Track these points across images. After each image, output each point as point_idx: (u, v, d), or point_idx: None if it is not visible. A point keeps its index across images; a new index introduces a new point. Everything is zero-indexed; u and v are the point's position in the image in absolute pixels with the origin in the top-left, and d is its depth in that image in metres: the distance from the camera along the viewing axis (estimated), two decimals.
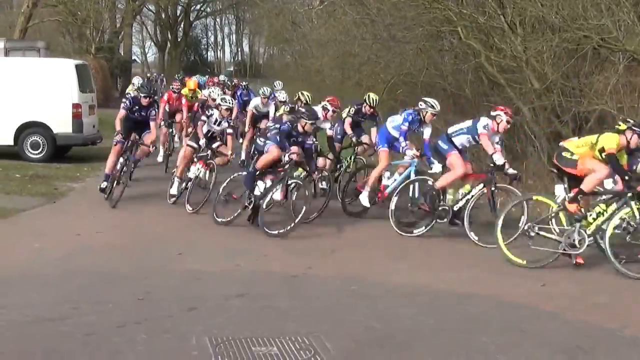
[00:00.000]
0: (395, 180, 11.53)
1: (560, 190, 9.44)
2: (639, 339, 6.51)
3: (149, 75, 56.44)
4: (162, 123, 16.67)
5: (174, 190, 12.54)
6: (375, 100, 13.12)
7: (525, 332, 6.59)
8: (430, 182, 10.82)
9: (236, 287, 7.79)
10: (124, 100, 13.26)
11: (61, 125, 17.46)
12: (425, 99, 11.59)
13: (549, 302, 7.57)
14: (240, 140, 17.52)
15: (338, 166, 13.18)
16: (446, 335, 6.44)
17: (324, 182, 12.41)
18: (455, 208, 10.45)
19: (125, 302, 7.18)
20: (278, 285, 8.00)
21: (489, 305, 7.45)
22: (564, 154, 9.31)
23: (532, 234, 9.19)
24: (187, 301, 7.18)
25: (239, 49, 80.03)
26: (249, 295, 7.54)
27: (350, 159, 13.26)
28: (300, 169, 11.20)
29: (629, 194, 8.76)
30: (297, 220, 10.37)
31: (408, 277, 8.48)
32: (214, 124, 12.59)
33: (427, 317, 6.98)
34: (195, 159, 12.51)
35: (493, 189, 10.27)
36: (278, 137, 10.79)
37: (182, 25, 69.63)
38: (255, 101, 17.38)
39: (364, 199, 11.69)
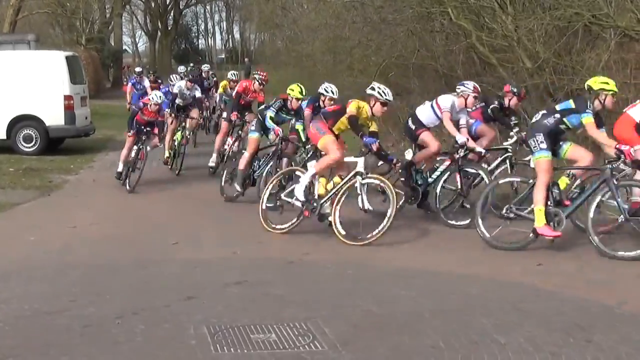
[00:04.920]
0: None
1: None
2: (637, 316, 6.51)
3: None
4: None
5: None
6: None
7: (523, 312, 6.59)
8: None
9: (233, 274, 7.78)
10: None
11: (53, 117, 17.44)
12: None
13: (546, 280, 7.57)
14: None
15: None
16: (445, 317, 6.44)
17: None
18: None
19: (122, 293, 7.16)
20: (275, 272, 8.00)
21: (487, 285, 7.45)
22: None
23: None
24: (185, 290, 7.17)
25: (230, 36, 79.87)
26: (247, 282, 7.53)
27: None
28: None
29: None
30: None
31: (405, 260, 8.49)
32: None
33: (425, 300, 6.98)
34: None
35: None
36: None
37: (172, 14, 69.40)
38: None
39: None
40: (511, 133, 10.99)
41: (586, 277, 7.75)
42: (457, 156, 10.25)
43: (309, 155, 11.39)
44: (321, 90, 11.78)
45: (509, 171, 10.61)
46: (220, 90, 20.07)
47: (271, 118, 11.48)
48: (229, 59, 71.94)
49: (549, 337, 5.94)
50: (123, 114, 27.93)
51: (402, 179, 10.52)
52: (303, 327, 6.14)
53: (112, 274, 7.87)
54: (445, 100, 10.53)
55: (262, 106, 12.38)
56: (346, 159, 9.74)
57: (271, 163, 11.71)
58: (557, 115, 8.89)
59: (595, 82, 8.90)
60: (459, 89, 10.67)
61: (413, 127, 10.68)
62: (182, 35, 76.86)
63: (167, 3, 68.43)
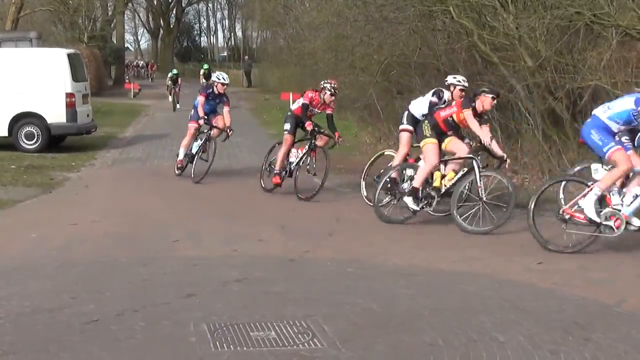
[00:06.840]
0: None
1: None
2: (636, 314, 6.53)
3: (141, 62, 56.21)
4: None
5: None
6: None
7: (522, 310, 6.60)
8: None
9: (234, 272, 7.79)
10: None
11: (55, 115, 17.45)
12: None
13: (546, 279, 7.59)
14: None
15: None
16: (444, 315, 6.45)
17: None
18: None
19: (123, 290, 7.18)
20: (275, 270, 8.02)
21: (486, 283, 7.47)
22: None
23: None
24: (185, 288, 7.19)
25: (232, 34, 79.92)
26: (247, 280, 7.55)
27: None
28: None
29: None
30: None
31: (405, 258, 8.50)
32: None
33: (425, 298, 7.00)
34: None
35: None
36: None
37: (174, 12, 69.52)
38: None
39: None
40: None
41: (585, 276, 7.76)
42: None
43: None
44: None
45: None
46: None
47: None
48: (231, 57, 72.00)
49: (548, 335, 5.96)
50: (124, 111, 28.12)
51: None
52: (303, 325, 6.16)
53: (113, 271, 7.89)
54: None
55: None
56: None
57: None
58: None
59: None
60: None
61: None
62: (184, 33, 76.99)
63: (170, 1, 68.51)
